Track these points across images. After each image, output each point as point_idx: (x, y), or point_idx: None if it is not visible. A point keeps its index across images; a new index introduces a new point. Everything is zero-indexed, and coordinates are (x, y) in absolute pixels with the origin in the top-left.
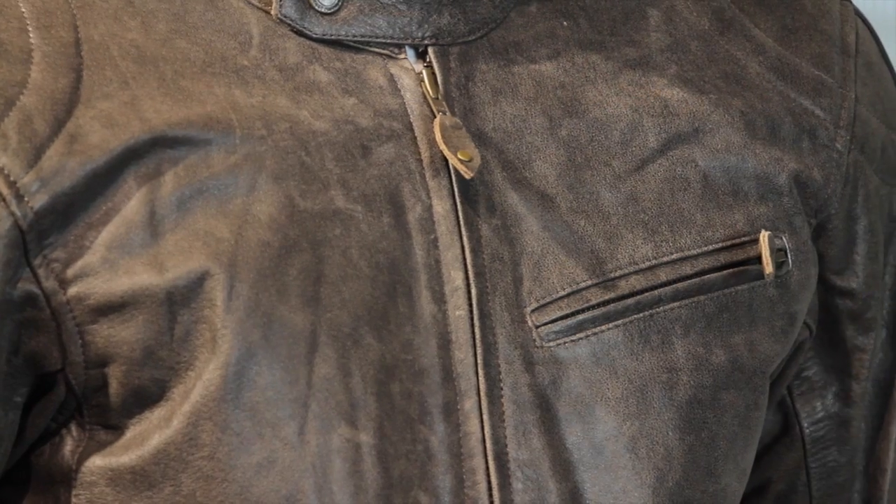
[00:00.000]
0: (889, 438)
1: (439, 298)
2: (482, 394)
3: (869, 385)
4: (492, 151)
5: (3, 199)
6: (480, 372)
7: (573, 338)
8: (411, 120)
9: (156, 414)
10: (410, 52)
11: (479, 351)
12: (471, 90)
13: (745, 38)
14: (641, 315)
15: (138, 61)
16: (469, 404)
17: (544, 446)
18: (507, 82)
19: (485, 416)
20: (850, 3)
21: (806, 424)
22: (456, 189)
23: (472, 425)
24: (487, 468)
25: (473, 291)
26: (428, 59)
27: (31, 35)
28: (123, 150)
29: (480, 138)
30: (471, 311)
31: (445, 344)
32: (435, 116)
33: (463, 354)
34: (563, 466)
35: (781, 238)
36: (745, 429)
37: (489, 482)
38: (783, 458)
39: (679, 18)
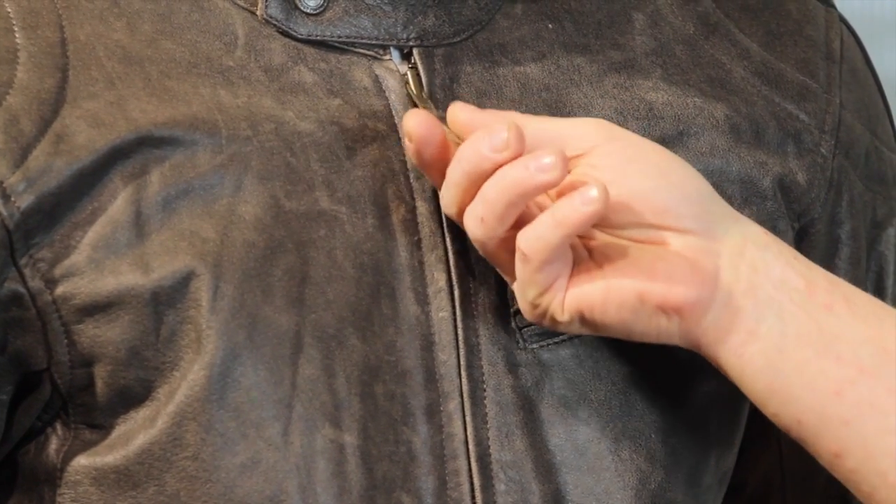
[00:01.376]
0: None
1: (422, 300)
2: (465, 395)
3: None
4: None
5: None
6: (463, 374)
7: (556, 340)
8: (396, 121)
9: (141, 414)
10: (395, 54)
11: (461, 353)
12: (455, 91)
13: (729, 42)
14: None
15: (124, 61)
16: (452, 406)
17: (527, 448)
18: (491, 84)
19: (468, 418)
20: (835, 9)
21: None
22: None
23: (455, 427)
24: (470, 469)
25: (457, 293)
26: (413, 61)
27: (16, 35)
28: (109, 149)
29: None
30: (454, 313)
31: (428, 345)
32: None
33: (446, 356)
34: (546, 468)
35: None
36: (728, 431)
37: (472, 483)
38: (759, 459)
39: (664, 22)
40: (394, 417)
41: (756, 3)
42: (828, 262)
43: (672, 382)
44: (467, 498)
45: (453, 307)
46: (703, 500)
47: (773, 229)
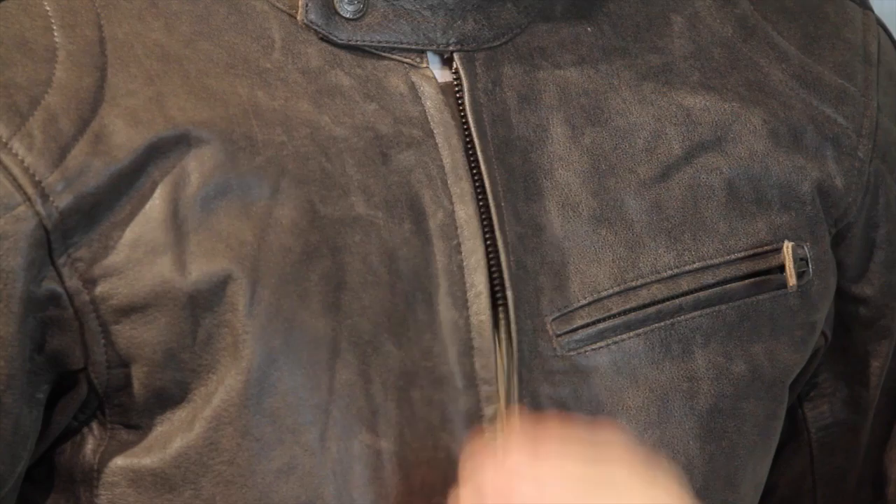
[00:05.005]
0: None
1: (461, 304)
2: (503, 401)
3: (879, 393)
4: (516, 160)
5: (29, 199)
6: (501, 379)
7: (594, 346)
8: (432, 127)
9: (177, 416)
10: (434, 60)
11: (499, 358)
12: (498, 96)
13: (768, 45)
14: (662, 324)
15: (162, 60)
16: (490, 411)
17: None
18: (532, 88)
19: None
20: (873, 12)
21: (814, 430)
22: (478, 194)
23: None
24: None
25: (495, 297)
26: (454, 66)
27: (55, 34)
28: (147, 147)
29: (506, 146)
30: (492, 318)
31: (467, 350)
32: (457, 121)
33: (484, 361)
34: None
35: (803, 247)
36: (764, 438)
37: None
38: (790, 463)
39: (702, 25)
40: (432, 423)
41: (794, 6)
42: (862, 266)
43: (710, 390)
44: None
45: (493, 312)
46: None
47: (812, 234)
